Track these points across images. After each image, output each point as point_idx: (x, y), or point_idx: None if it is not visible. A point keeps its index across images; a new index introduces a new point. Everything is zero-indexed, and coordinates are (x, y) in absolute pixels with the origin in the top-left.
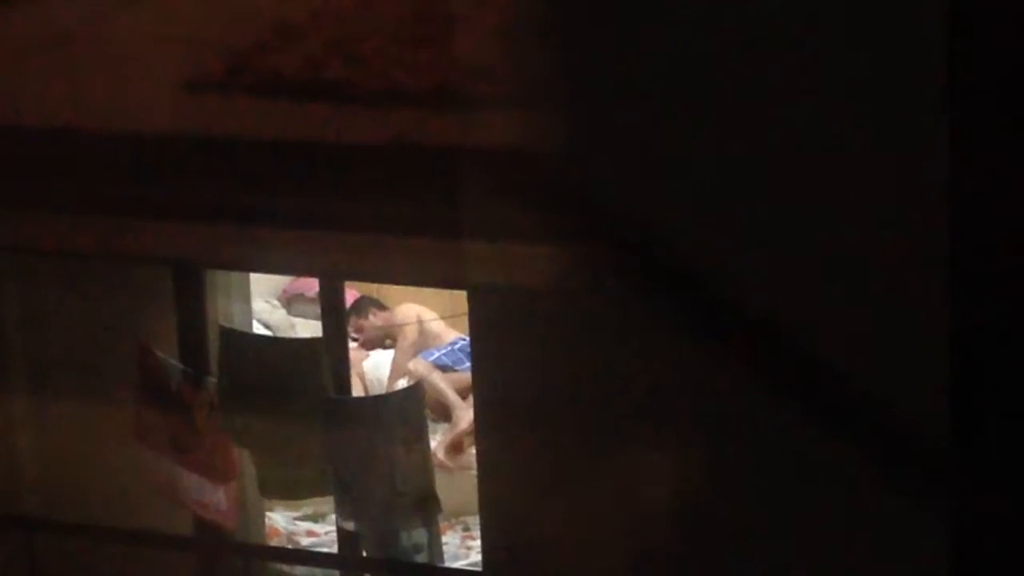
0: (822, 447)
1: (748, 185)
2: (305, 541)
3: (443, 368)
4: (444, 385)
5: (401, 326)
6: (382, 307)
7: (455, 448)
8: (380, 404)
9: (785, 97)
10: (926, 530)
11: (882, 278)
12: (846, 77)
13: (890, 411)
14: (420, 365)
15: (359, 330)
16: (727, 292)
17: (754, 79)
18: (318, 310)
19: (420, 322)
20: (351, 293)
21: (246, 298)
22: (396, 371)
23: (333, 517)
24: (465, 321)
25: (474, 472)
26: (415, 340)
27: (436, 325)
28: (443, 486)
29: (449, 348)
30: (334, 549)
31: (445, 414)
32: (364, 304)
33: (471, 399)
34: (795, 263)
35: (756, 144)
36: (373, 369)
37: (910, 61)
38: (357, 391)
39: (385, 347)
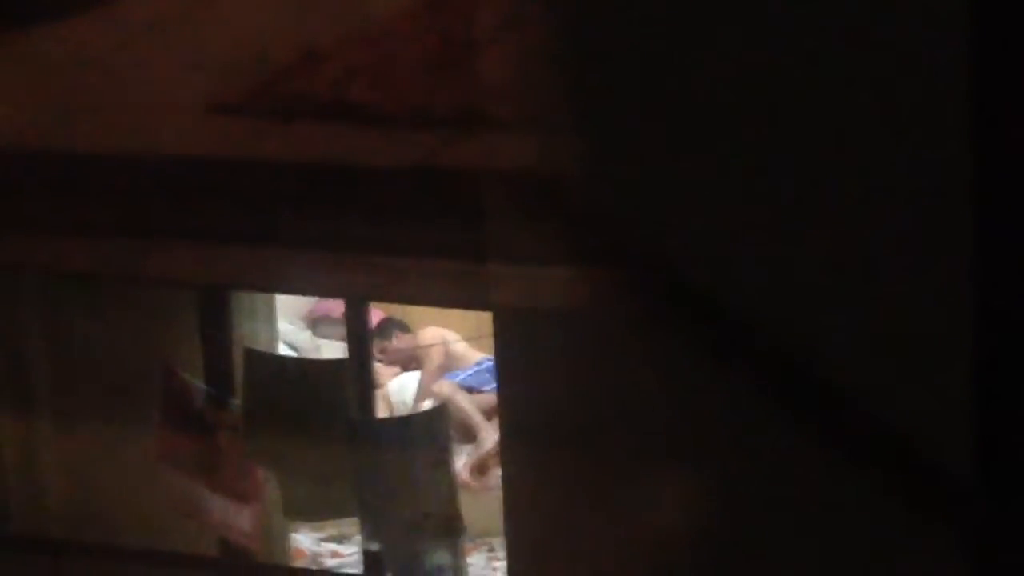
0: (844, 474)
1: (774, 208)
2: (330, 562)
3: (468, 389)
4: (469, 406)
5: (426, 348)
6: (406, 329)
7: (480, 469)
8: (405, 425)
9: (811, 118)
10: (949, 557)
11: (904, 303)
12: (870, 101)
13: (912, 437)
14: (445, 386)
15: (384, 352)
16: (750, 315)
17: (780, 101)
18: (343, 331)
19: (445, 344)
20: (376, 315)
21: (271, 319)
22: (422, 393)
23: (358, 538)
24: (490, 342)
25: (499, 493)
26: (441, 362)
27: (461, 347)
28: (468, 507)
29: (475, 369)
30: (359, 570)
31: (470, 435)
32: (389, 326)
33: (496, 420)
34: (818, 288)
35: (782, 168)
36: (398, 391)
37: (929, 72)
38: (382, 413)
39: (410, 369)
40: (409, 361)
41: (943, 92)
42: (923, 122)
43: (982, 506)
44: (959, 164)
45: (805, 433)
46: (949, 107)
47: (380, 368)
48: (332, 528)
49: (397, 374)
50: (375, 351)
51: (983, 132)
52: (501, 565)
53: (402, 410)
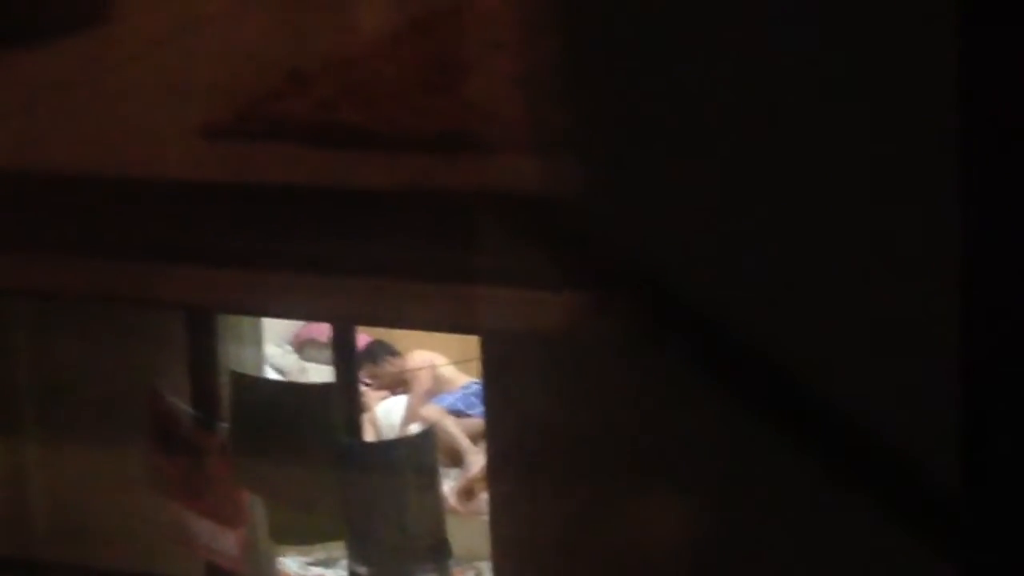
0: (836, 495)
1: (764, 225)
2: None
3: (456, 413)
4: (456, 430)
5: (414, 372)
6: (394, 352)
7: (467, 494)
8: (392, 449)
9: (810, 138)
10: (935, 564)
11: (891, 307)
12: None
13: (901, 455)
14: (433, 410)
15: (371, 376)
16: (744, 338)
17: (777, 120)
18: (330, 355)
19: (433, 367)
20: (362, 338)
21: (258, 343)
22: (409, 416)
23: (345, 562)
24: (477, 365)
25: (486, 517)
26: (428, 386)
27: (448, 370)
28: (455, 531)
29: (462, 393)
30: None
31: (457, 459)
32: (376, 349)
33: (482, 444)
34: (811, 308)
35: (778, 189)
36: (385, 415)
37: (919, 70)
38: (369, 437)
39: (397, 393)
40: (396, 385)
41: (933, 90)
42: (912, 123)
43: (969, 513)
44: (947, 166)
45: (796, 447)
46: (940, 106)
47: (367, 392)
48: (319, 552)
49: (384, 398)
50: (363, 374)
51: (973, 134)
52: None
53: (389, 434)
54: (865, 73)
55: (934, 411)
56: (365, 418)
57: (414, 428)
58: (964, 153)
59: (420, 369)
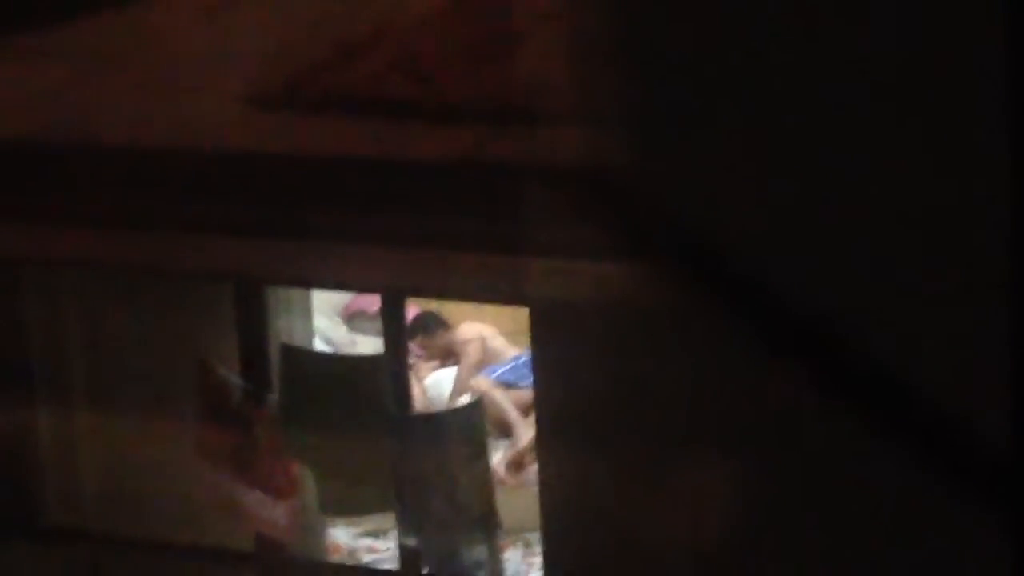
0: (881, 460)
1: (817, 196)
2: (366, 557)
3: (506, 385)
4: (505, 402)
5: (464, 343)
6: (443, 323)
7: (516, 465)
8: (441, 421)
9: (853, 106)
10: (988, 540)
11: (939, 279)
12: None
13: (950, 417)
14: (482, 382)
15: (420, 347)
16: (791, 305)
17: (824, 91)
18: (379, 327)
19: (483, 340)
20: (412, 310)
21: (307, 315)
22: (458, 388)
23: (394, 533)
24: (527, 338)
25: (535, 489)
26: (479, 358)
27: (498, 342)
28: (504, 503)
29: (511, 365)
30: (395, 565)
31: (506, 431)
32: (425, 320)
33: (531, 416)
34: (853, 268)
35: (824, 158)
36: (434, 386)
37: (965, 48)
38: (418, 408)
39: (447, 364)
40: (447, 356)
41: (979, 80)
42: (963, 109)
43: (1018, 469)
44: (997, 145)
45: (842, 419)
46: (985, 91)
47: (417, 363)
48: (369, 523)
49: (435, 369)
50: (413, 346)
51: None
52: (537, 561)
53: (439, 405)
54: (911, 54)
55: (985, 366)
56: (414, 389)
57: (463, 400)
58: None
59: (470, 341)
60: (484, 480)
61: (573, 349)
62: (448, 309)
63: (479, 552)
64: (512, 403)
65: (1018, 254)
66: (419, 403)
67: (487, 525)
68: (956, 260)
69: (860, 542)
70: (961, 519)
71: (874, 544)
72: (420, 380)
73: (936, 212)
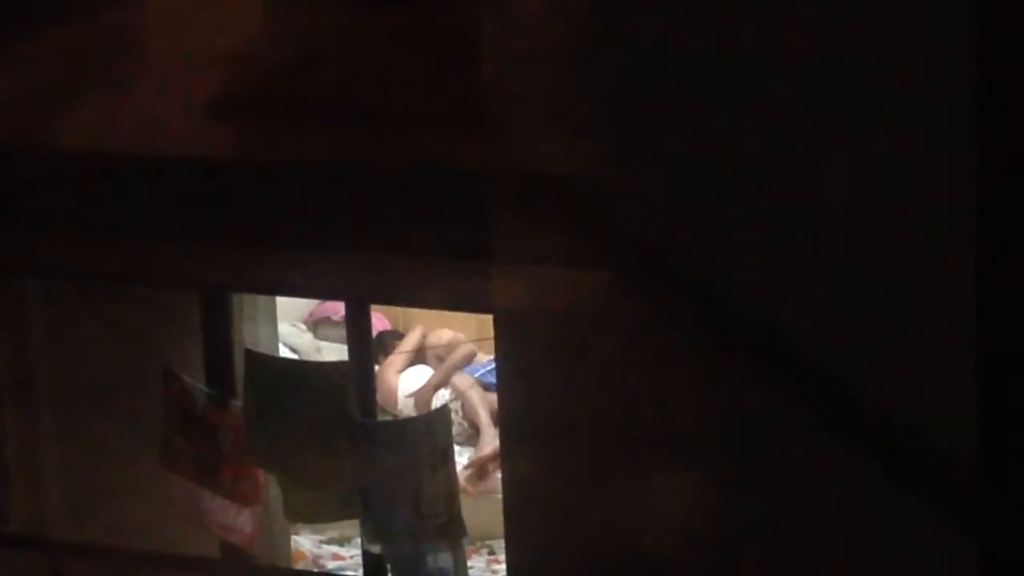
0: (847, 470)
1: (778, 206)
2: (331, 564)
3: (486, 387)
4: (480, 406)
5: (451, 346)
6: (400, 337)
7: (478, 473)
8: (406, 427)
9: (821, 113)
10: (953, 547)
11: (906, 293)
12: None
13: (914, 429)
14: (464, 380)
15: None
16: (758, 315)
17: (790, 96)
18: (344, 334)
19: (468, 341)
20: (375, 325)
21: (272, 322)
22: (439, 382)
23: (359, 540)
24: (491, 345)
25: (499, 496)
26: (462, 357)
27: (470, 347)
28: (469, 510)
29: (488, 367)
30: (360, 572)
31: (473, 437)
32: (386, 339)
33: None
34: (821, 281)
35: (797, 172)
36: (408, 383)
37: (935, 58)
38: (390, 406)
39: (420, 362)
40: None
41: (948, 90)
42: (927, 119)
43: (985, 495)
44: (963, 159)
45: (810, 427)
46: (954, 103)
47: (392, 359)
48: (333, 530)
49: (408, 366)
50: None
51: (987, 128)
52: (501, 568)
53: (406, 402)
54: (884, 60)
55: (952, 387)
56: (388, 388)
57: (441, 396)
58: (980, 145)
59: (461, 343)
60: (448, 487)
61: (537, 356)
62: (417, 315)
63: (444, 559)
64: (488, 406)
65: (983, 271)
66: (392, 399)
67: (452, 532)
68: (922, 276)
69: (822, 551)
70: (926, 533)
71: (835, 554)
72: (394, 379)
73: (902, 225)
